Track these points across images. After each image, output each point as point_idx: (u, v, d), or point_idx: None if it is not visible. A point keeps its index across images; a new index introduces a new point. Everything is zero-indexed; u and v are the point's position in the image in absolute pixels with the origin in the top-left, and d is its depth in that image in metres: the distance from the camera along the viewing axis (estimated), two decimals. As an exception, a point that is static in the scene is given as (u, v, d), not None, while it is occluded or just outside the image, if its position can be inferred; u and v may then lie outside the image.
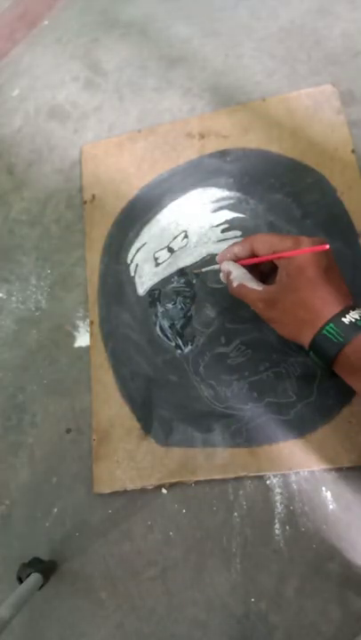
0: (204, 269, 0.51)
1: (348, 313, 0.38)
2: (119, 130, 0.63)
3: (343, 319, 0.37)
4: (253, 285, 0.43)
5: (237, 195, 0.55)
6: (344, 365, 0.38)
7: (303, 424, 0.46)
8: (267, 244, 0.42)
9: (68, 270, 0.59)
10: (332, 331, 0.37)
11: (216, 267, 0.47)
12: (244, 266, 0.45)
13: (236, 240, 0.53)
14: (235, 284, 0.44)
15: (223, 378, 0.49)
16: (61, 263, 0.60)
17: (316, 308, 0.39)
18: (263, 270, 0.46)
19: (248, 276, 0.44)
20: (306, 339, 0.40)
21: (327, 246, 0.39)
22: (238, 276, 0.44)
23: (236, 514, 0.46)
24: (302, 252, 0.40)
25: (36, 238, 0.62)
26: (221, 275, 0.46)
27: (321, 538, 0.44)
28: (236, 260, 0.45)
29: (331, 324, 0.38)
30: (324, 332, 0.38)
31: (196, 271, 0.52)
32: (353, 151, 0.53)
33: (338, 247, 0.50)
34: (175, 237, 0.55)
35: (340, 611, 0.42)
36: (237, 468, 0.47)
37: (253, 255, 0.44)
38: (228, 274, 0.45)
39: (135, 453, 0.49)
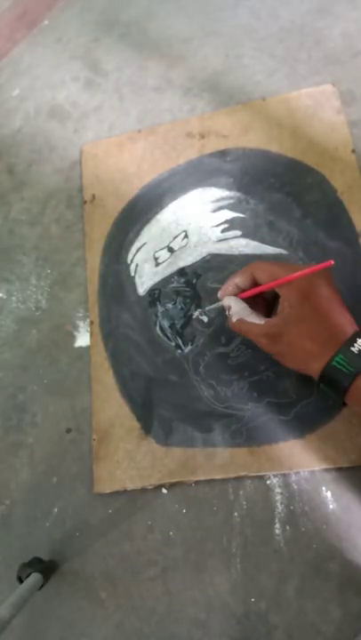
0: (207, 309, 0.49)
1: (355, 342, 0.37)
2: (119, 130, 0.63)
3: (352, 348, 0.36)
4: (254, 320, 0.42)
5: (237, 194, 0.55)
6: (357, 396, 0.37)
7: (303, 424, 0.46)
8: (267, 273, 0.41)
9: (69, 270, 0.59)
10: (341, 362, 0.36)
11: (220, 303, 0.45)
12: (249, 297, 0.43)
13: (236, 240, 0.53)
14: (234, 320, 0.43)
15: (223, 378, 0.49)
16: (61, 263, 0.60)
17: (323, 340, 0.38)
18: (268, 298, 0.45)
19: (248, 310, 0.42)
20: (314, 370, 0.38)
21: (332, 262, 0.38)
22: (238, 311, 0.43)
23: (236, 514, 0.46)
24: (304, 273, 0.39)
25: (37, 238, 0.62)
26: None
27: (321, 538, 0.44)
28: (239, 291, 0.44)
29: (340, 355, 0.37)
30: (334, 363, 0.37)
31: (197, 314, 0.50)
32: (353, 151, 0.53)
33: (338, 247, 0.50)
34: (175, 237, 0.55)
35: (341, 611, 0.42)
36: (238, 467, 0.47)
37: (255, 284, 0.43)
38: (229, 309, 0.43)
39: (135, 453, 0.49)
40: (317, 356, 0.38)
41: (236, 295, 0.44)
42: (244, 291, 0.44)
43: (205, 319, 0.51)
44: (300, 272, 0.39)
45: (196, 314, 0.51)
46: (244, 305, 0.43)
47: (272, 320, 0.41)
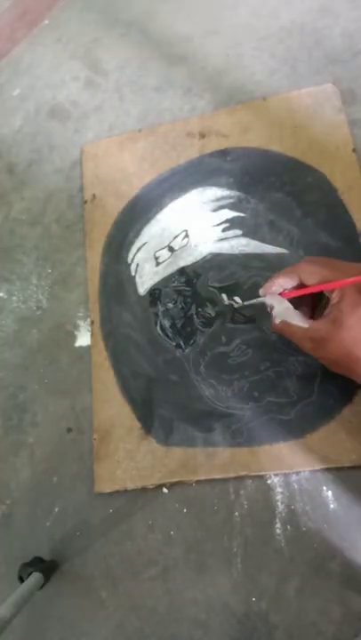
0: (246, 303, 0.46)
1: None
2: (120, 129, 0.63)
3: None
4: (299, 322, 0.40)
5: (238, 194, 0.55)
6: None
7: (304, 424, 0.46)
8: (316, 276, 0.39)
9: (69, 270, 0.59)
10: None
11: (262, 299, 0.43)
12: (293, 298, 0.41)
13: (236, 239, 0.53)
14: (277, 322, 0.41)
15: (224, 377, 0.49)
16: (62, 263, 0.60)
17: None
18: (313, 300, 0.43)
19: (292, 311, 0.40)
20: None
21: None
22: (281, 312, 0.40)
23: (236, 513, 0.46)
24: (357, 279, 0.37)
25: (37, 238, 0.62)
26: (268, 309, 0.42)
27: (322, 537, 0.44)
28: (282, 291, 0.42)
29: None
30: None
31: (237, 306, 0.47)
32: (354, 150, 0.53)
33: (339, 246, 0.50)
34: (176, 237, 0.55)
35: (341, 610, 0.42)
36: (238, 467, 0.47)
37: (301, 285, 0.41)
38: (271, 308, 0.41)
39: (136, 453, 0.49)
40: None
41: (278, 294, 0.42)
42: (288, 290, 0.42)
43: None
44: (354, 278, 0.37)
45: (225, 299, 0.48)
46: (287, 305, 0.41)
47: (318, 323, 0.39)
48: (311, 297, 0.43)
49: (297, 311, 0.41)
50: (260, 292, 0.43)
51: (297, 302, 0.42)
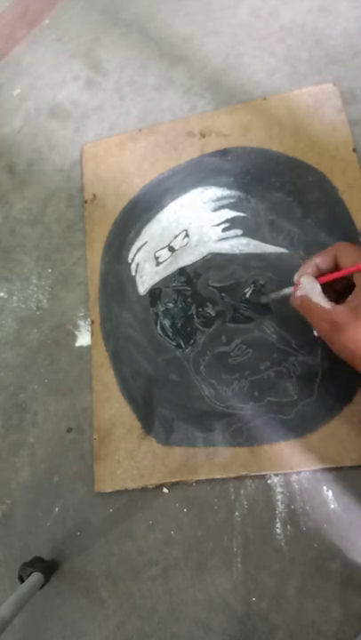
0: (273, 296, 0.45)
1: None
2: (120, 129, 0.63)
3: None
4: (321, 301, 0.38)
5: (238, 193, 0.55)
6: None
7: (304, 423, 0.46)
8: (352, 256, 0.38)
9: (69, 270, 0.59)
10: None
11: (287, 291, 0.42)
12: (325, 282, 0.40)
13: (236, 239, 0.53)
14: (298, 294, 0.40)
15: (224, 377, 0.49)
16: (62, 262, 0.60)
17: None
18: (338, 289, 0.42)
19: (318, 291, 0.39)
20: None
21: None
22: (307, 287, 0.39)
23: (237, 513, 0.46)
24: None
25: (37, 238, 0.62)
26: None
27: (322, 537, 0.44)
28: (318, 274, 0.40)
29: None
30: None
31: (264, 300, 0.47)
32: (354, 150, 0.53)
33: (339, 246, 0.50)
34: (176, 236, 0.55)
35: (342, 610, 0.42)
36: (238, 467, 0.47)
37: (335, 269, 0.40)
38: (297, 284, 0.40)
39: (136, 453, 0.49)
40: None
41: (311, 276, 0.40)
42: (322, 275, 0.41)
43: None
44: None
45: (248, 291, 0.47)
46: (316, 284, 0.39)
47: (340, 307, 0.38)
48: (342, 283, 0.41)
49: (321, 292, 0.40)
50: (295, 276, 0.42)
51: (326, 286, 0.41)
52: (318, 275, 0.41)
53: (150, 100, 0.63)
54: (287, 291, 0.42)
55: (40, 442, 0.54)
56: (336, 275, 0.39)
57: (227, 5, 0.65)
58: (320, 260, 0.40)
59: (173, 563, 0.47)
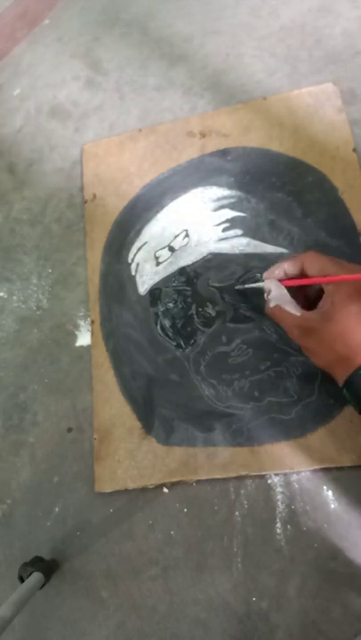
0: (247, 285, 0.47)
1: None
2: (120, 129, 0.63)
3: None
4: (291, 309, 0.41)
5: (238, 193, 0.55)
6: None
7: (304, 423, 0.46)
8: (318, 266, 0.40)
9: (69, 269, 0.59)
10: None
11: (260, 284, 0.44)
12: (291, 287, 0.42)
13: (236, 239, 0.53)
14: (271, 305, 0.42)
15: (224, 377, 0.49)
16: (62, 262, 0.60)
17: (357, 345, 0.36)
18: (309, 294, 0.44)
19: (288, 298, 0.41)
20: (340, 375, 0.38)
21: None
22: (277, 296, 0.41)
23: (237, 513, 0.46)
24: (359, 277, 0.37)
25: (37, 237, 0.62)
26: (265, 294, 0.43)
27: (322, 537, 0.44)
28: (286, 277, 0.43)
29: None
30: None
31: (238, 287, 0.48)
32: (354, 150, 0.53)
33: (339, 246, 0.50)
34: (176, 236, 0.55)
35: (342, 610, 0.42)
36: (239, 467, 0.47)
37: (303, 274, 0.42)
38: (268, 292, 0.42)
39: (136, 453, 0.49)
40: (346, 361, 0.37)
41: (279, 280, 0.43)
42: (289, 278, 0.43)
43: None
44: (354, 275, 0.38)
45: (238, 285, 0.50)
46: (284, 291, 0.42)
47: (310, 313, 0.40)
48: (313, 289, 0.43)
49: (292, 299, 0.42)
50: (264, 275, 0.44)
51: (298, 292, 0.43)
52: (284, 279, 0.43)
53: (150, 100, 0.63)
54: (260, 284, 0.44)
55: (40, 442, 0.54)
56: (300, 282, 0.41)
57: (227, 5, 0.65)
58: (288, 266, 0.42)
59: (173, 563, 0.47)
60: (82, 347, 0.56)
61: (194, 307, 0.52)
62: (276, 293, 0.42)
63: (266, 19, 0.62)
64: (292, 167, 0.54)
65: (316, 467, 0.45)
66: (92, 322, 0.55)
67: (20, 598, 0.42)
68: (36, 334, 0.58)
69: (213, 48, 0.63)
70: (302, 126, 0.55)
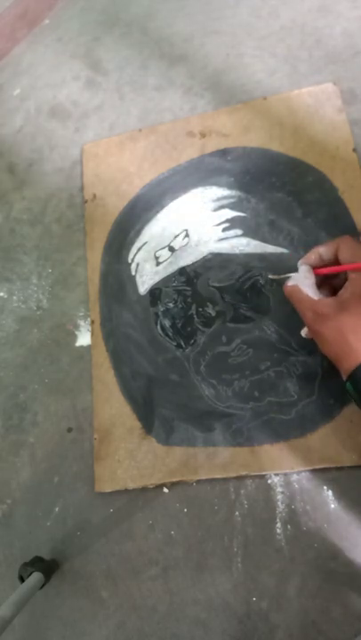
0: (282, 275, 0.45)
1: None
2: (120, 129, 0.63)
3: None
4: (310, 292, 0.40)
5: (238, 193, 0.55)
6: None
7: (304, 423, 0.46)
8: (350, 251, 0.39)
9: (69, 269, 0.59)
10: None
11: (289, 275, 0.43)
12: (322, 275, 0.41)
13: (236, 239, 0.53)
14: (290, 283, 0.41)
15: (224, 377, 0.49)
16: (62, 262, 0.60)
17: None
18: (335, 284, 0.43)
19: (310, 282, 0.41)
20: (346, 367, 0.37)
21: None
22: (299, 278, 0.41)
23: (237, 513, 0.46)
24: None
25: (37, 237, 0.62)
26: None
27: (322, 537, 0.44)
28: (321, 263, 0.42)
29: None
30: None
31: (272, 277, 0.47)
32: (354, 150, 0.53)
33: (339, 246, 0.50)
34: (176, 236, 0.55)
35: (342, 610, 0.42)
36: (239, 467, 0.47)
37: (337, 260, 0.41)
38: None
39: (136, 453, 0.49)
40: (355, 354, 0.36)
41: (311, 267, 0.42)
42: (324, 266, 0.42)
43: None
44: None
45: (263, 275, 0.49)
46: (310, 275, 0.41)
47: (327, 300, 0.39)
48: (340, 280, 0.42)
49: (313, 282, 0.41)
50: (299, 261, 0.43)
51: (325, 282, 0.43)
52: (320, 264, 0.42)
53: (150, 99, 0.63)
54: (286, 275, 0.43)
55: (40, 442, 0.54)
56: (331, 269, 0.41)
57: (227, 5, 0.65)
58: (323, 250, 0.42)
59: (173, 563, 0.47)
60: (82, 347, 0.56)
61: (194, 307, 0.52)
62: (301, 275, 0.41)
63: (266, 19, 0.62)
64: (292, 167, 0.54)
65: (316, 467, 0.45)
66: (92, 322, 0.55)
67: (20, 598, 0.42)
68: (36, 334, 0.58)
69: (213, 48, 0.63)
70: (302, 126, 0.55)
